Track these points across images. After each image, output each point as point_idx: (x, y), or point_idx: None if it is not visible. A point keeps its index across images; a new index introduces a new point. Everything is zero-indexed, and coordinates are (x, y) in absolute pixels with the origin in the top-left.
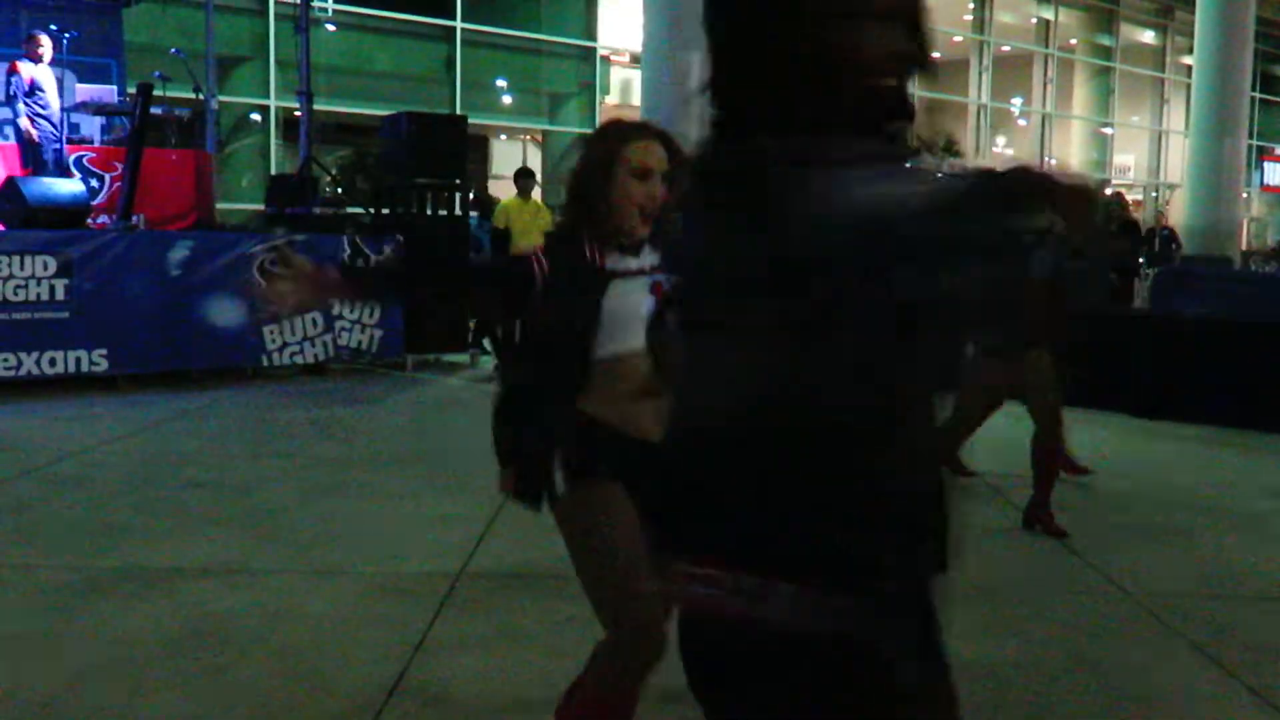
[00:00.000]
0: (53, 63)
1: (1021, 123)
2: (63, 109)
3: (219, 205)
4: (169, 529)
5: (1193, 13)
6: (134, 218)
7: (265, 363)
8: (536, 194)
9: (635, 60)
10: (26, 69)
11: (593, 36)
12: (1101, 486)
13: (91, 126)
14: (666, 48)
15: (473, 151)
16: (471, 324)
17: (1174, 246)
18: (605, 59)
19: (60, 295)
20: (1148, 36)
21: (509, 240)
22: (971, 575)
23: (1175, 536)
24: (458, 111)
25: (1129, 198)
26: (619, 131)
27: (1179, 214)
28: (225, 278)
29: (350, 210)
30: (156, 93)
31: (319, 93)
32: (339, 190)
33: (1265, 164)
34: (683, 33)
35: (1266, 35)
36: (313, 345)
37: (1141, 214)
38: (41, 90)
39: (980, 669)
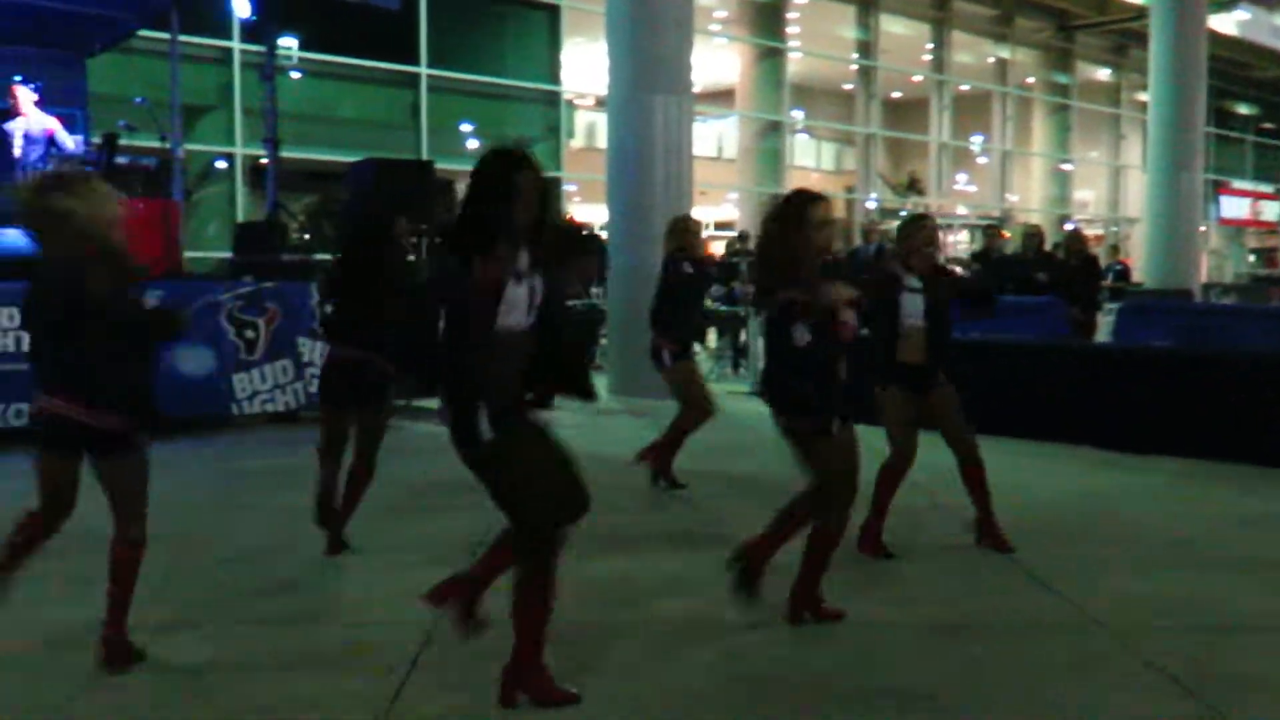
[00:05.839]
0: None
1: (982, 160)
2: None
3: (186, 254)
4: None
5: (1146, 50)
6: None
7: (235, 411)
8: None
9: (600, 104)
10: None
11: (557, 81)
12: (1070, 520)
13: None
14: (631, 91)
15: (439, 196)
16: None
17: (1127, 280)
18: (570, 103)
19: (26, 346)
20: (1103, 74)
21: None
22: (934, 612)
23: (1147, 569)
24: (424, 157)
25: (1089, 233)
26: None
27: (1139, 248)
28: (194, 326)
29: (318, 257)
30: (122, 142)
31: (284, 139)
32: (305, 237)
33: (1221, 197)
34: (647, 76)
35: (1219, 72)
36: (283, 393)
37: (1102, 248)
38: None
39: (952, 711)
